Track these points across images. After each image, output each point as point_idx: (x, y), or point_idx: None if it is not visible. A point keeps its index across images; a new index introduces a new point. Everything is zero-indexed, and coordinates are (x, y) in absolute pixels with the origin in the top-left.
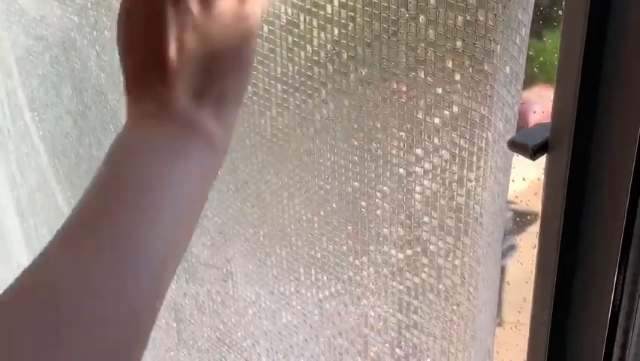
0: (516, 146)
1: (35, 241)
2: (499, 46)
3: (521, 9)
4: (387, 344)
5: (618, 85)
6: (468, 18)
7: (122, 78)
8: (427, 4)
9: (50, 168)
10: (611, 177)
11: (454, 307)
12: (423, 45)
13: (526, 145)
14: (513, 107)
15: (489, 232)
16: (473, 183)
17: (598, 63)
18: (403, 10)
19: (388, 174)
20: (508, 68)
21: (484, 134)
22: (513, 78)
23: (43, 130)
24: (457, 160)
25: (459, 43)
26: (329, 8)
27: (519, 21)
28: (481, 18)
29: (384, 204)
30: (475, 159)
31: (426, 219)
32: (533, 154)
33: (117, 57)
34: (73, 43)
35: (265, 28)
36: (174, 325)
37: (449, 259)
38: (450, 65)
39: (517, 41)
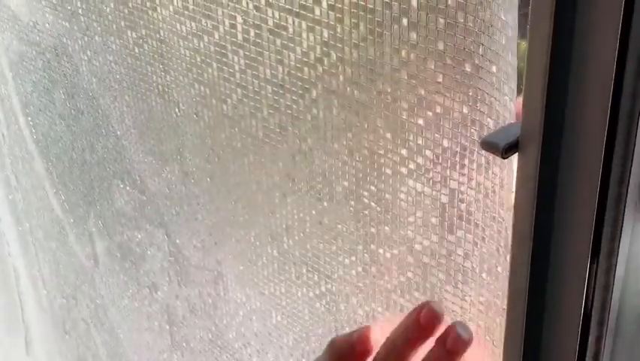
0: (488, 145)
1: (32, 245)
2: (481, 46)
3: (503, 9)
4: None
5: (586, 83)
6: (448, 20)
7: (113, 83)
8: (409, 7)
9: (44, 172)
10: (580, 174)
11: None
12: (406, 47)
13: (497, 144)
14: (506, 105)
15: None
16: (458, 181)
17: (566, 63)
18: (387, 12)
19: (375, 173)
20: (494, 68)
21: (467, 133)
22: (502, 77)
23: (37, 134)
24: (440, 160)
25: (440, 45)
26: (317, 10)
27: (502, 21)
28: (460, 20)
29: (372, 203)
30: (458, 158)
31: (411, 218)
32: (504, 153)
33: (108, 61)
34: (65, 49)
35: (252, 32)
36: (167, 327)
37: (435, 258)
38: (432, 67)
39: (504, 41)
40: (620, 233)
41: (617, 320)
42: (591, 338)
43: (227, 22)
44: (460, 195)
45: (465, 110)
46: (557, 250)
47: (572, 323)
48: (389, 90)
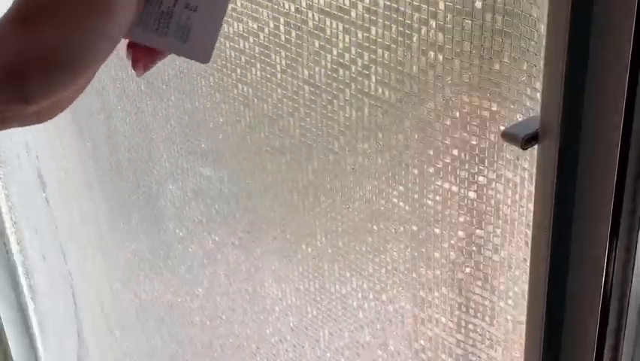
0: (508, 136)
1: (86, 244)
2: (509, 45)
3: (535, 7)
4: (405, 338)
5: (603, 76)
6: (475, 21)
7: (161, 84)
8: (436, 10)
9: (93, 172)
10: (598, 164)
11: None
12: (433, 48)
13: (518, 136)
14: (537, 100)
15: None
16: (486, 177)
17: (584, 56)
18: (416, 14)
19: (403, 173)
20: (525, 65)
21: (494, 129)
22: (533, 74)
23: (84, 135)
24: (467, 157)
25: (467, 45)
26: (353, 13)
27: (532, 19)
28: (487, 20)
29: (400, 202)
30: (487, 154)
31: (439, 216)
32: (524, 144)
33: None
34: (117, 51)
35: (293, 33)
36: (208, 322)
37: (463, 254)
38: (459, 66)
39: (535, 38)
40: (638, 225)
41: (638, 313)
42: (609, 333)
43: (272, 23)
44: (489, 191)
45: (494, 108)
46: (576, 240)
47: (591, 314)
48: (417, 90)
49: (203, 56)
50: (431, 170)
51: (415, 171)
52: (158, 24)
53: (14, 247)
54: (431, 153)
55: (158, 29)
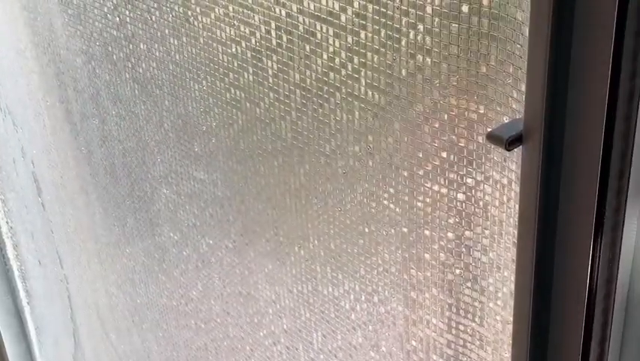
0: (493, 138)
1: (78, 247)
2: (495, 48)
3: (520, 11)
4: (397, 339)
5: (585, 78)
6: (461, 25)
7: (154, 89)
8: (424, 14)
9: (88, 176)
10: (582, 164)
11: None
12: (421, 51)
13: (502, 137)
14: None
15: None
16: (474, 179)
17: (565, 60)
18: (405, 18)
19: (393, 175)
20: (511, 68)
21: (482, 131)
22: (518, 76)
23: (80, 139)
24: (455, 159)
25: (454, 49)
26: (343, 17)
27: (517, 22)
28: (473, 24)
29: (391, 204)
30: (474, 156)
31: (429, 218)
32: (508, 145)
33: (151, 67)
34: (110, 57)
35: (284, 37)
36: (202, 325)
37: (452, 255)
38: (446, 69)
39: (520, 41)
40: (622, 222)
41: (624, 311)
42: (596, 322)
43: (263, 28)
44: (477, 193)
45: (481, 110)
46: (561, 239)
47: (577, 312)
48: (406, 93)
49: None
50: (421, 172)
51: (405, 174)
52: None
53: (10, 252)
54: (420, 155)
55: None
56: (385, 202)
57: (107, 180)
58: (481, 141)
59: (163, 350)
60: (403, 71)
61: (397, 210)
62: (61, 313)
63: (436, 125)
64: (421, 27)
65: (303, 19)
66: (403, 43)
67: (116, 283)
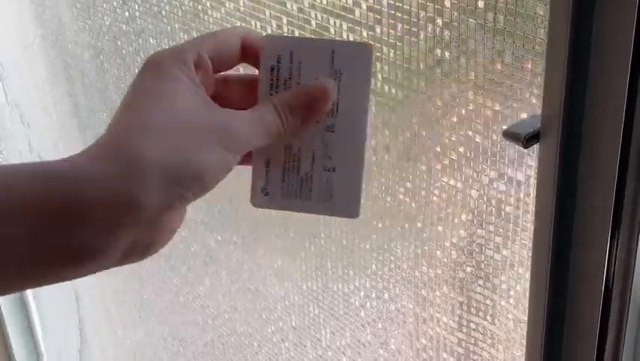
0: (510, 135)
1: None
2: (512, 43)
3: (541, 5)
4: (406, 337)
5: (604, 74)
6: (479, 20)
7: None
8: (442, 7)
9: None
10: (599, 162)
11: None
12: (439, 46)
13: (519, 134)
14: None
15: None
16: (489, 176)
17: (585, 56)
18: (422, 12)
19: (410, 170)
20: (530, 64)
21: (497, 128)
22: (538, 72)
23: (87, 136)
24: (472, 155)
25: (471, 44)
26: (357, 12)
27: (538, 16)
28: (490, 19)
29: (406, 199)
30: (489, 153)
31: (442, 214)
32: (525, 142)
33: None
34: (119, 51)
35: (296, 32)
36: (210, 321)
37: (464, 253)
38: (464, 65)
39: (542, 36)
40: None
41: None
42: (610, 325)
43: (274, 22)
44: (492, 190)
45: (497, 107)
46: (577, 238)
47: (592, 312)
48: (424, 88)
49: (351, 211)
50: (438, 167)
51: (423, 168)
52: (300, 190)
53: None
54: (438, 149)
55: (302, 195)
56: (401, 197)
57: None
58: (496, 138)
59: (169, 345)
60: (421, 65)
61: (413, 205)
62: (67, 308)
63: (454, 120)
64: (439, 21)
65: (315, 14)
66: (422, 37)
67: (123, 278)
